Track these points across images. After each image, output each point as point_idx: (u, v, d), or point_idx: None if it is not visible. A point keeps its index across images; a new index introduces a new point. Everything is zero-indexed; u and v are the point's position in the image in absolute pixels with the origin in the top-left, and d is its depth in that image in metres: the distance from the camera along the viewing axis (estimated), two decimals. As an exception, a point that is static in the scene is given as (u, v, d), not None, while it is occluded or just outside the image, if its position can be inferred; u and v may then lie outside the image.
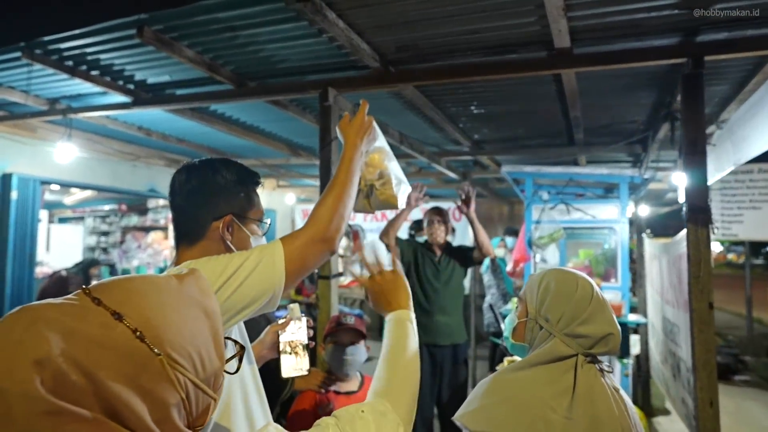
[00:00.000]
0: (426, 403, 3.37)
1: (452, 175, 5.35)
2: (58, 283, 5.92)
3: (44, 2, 2.54)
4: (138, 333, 0.51)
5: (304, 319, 1.48)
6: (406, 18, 2.34)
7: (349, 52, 2.68)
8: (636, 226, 5.05)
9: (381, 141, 1.41)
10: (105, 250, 10.78)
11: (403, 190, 1.47)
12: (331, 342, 2.08)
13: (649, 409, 4.69)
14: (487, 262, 6.03)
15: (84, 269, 6.07)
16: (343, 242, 3.68)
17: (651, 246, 4.76)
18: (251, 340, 1.51)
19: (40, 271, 7.59)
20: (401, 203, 1.47)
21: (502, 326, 1.39)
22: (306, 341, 1.46)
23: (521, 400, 1.09)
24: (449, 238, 3.65)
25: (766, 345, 6.25)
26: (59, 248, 9.40)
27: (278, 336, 1.45)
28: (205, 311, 0.59)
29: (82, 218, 11.26)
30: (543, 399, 1.07)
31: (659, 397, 4.78)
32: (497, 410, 1.09)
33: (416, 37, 2.55)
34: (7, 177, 4.73)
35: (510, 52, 2.57)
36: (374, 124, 1.35)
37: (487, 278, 5.97)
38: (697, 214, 2.16)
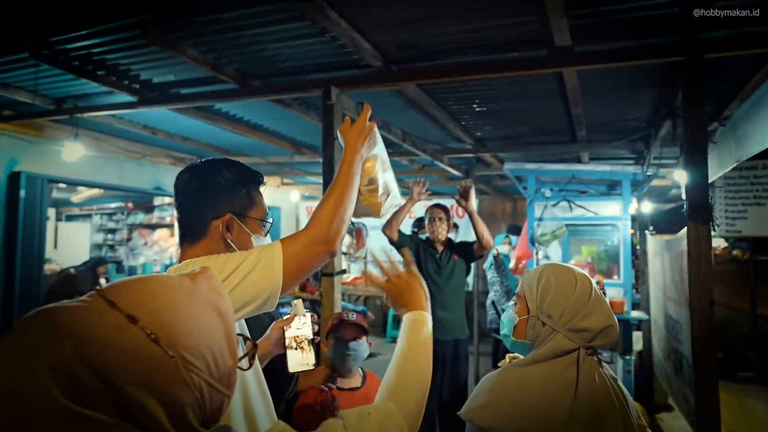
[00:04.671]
0: (428, 399, 3.40)
1: (455, 172, 5.37)
2: (66, 281, 5.98)
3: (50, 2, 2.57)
4: (152, 336, 0.51)
5: (309, 314, 1.48)
6: (407, 17, 2.36)
7: (351, 51, 2.70)
8: (639, 223, 5.05)
9: (380, 148, 1.41)
10: (112, 248, 10.87)
11: (389, 202, 1.46)
12: (334, 338, 2.10)
13: (651, 405, 4.70)
14: (490, 259, 6.07)
15: (92, 267, 6.14)
16: (347, 240, 3.71)
17: (653, 243, 4.76)
18: (254, 338, 1.51)
19: (48, 268, 7.68)
20: (385, 213, 1.47)
21: None
22: (311, 336, 1.46)
23: (527, 397, 1.11)
24: (452, 236, 3.67)
25: (770, 342, 6.24)
26: (67, 246, 9.49)
27: (283, 332, 1.45)
28: (218, 311, 0.59)
29: (89, 216, 11.34)
30: (548, 395, 1.10)
31: (662, 393, 4.78)
32: (503, 406, 1.11)
33: (418, 36, 2.56)
34: (15, 176, 4.79)
35: (511, 51, 2.58)
36: (375, 129, 1.35)
37: (491, 275, 5.99)
38: (697, 212, 2.16)
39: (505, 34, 2.48)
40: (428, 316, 1.07)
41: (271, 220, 1.26)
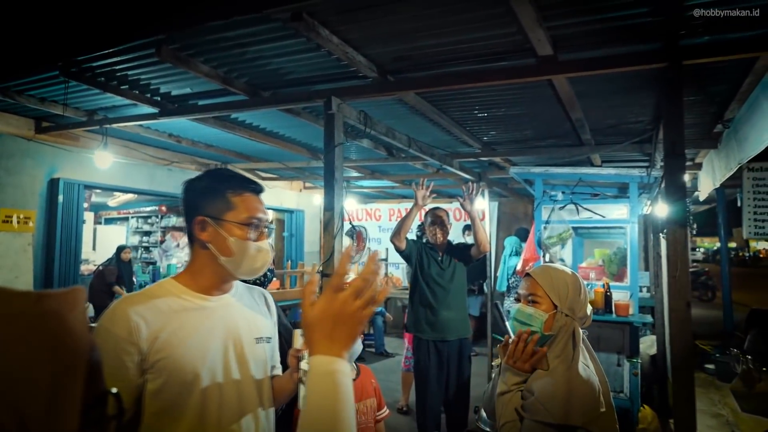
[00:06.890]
0: (434, 397, 3.52)
1: (467, 176, 5.44)
2: (99, 277, 6.47)
3: (74, 26, 2.84)
4: None
5: None
6: (396, 31, 2.49)
7: (347, 64, 2.85)
8: (652, 225, 4.99)
9: None
10: (147, 249, 11.42)
11: None
12: None
13: (666, 409, 4.64)
14: (512, 262, 6.11)
15: (116, 257, 6.64)
16: (347, 242, 3.85)
17: (665, 246, 4.70)
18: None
19: (86, 268, 8.17)
20: None
21: (507, 324, 1.62)
22: None
23: (591, 379, 1.38)
24: (468, 239, 3.76)
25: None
26: (105, 247, 10.04)
27: (298, 361, 1.29)
28: (54, 349, 0.41)
29: (126, 219, 11.94)
30: (591, 368, 1.42)
31: (677, 399, 4.71)
32: (588, 400, 1.34)
33: (409, 47, 2.69)
34: (54, 182, 5.18)
35: (499, 60, 2.68)
36: None
37: (513, 280, 6.06)
38: (675, 215, 2.21)
39: (493, 45, 2.57)
40: (345, 366, 0.77)
41: (262, 225, 1.26)
